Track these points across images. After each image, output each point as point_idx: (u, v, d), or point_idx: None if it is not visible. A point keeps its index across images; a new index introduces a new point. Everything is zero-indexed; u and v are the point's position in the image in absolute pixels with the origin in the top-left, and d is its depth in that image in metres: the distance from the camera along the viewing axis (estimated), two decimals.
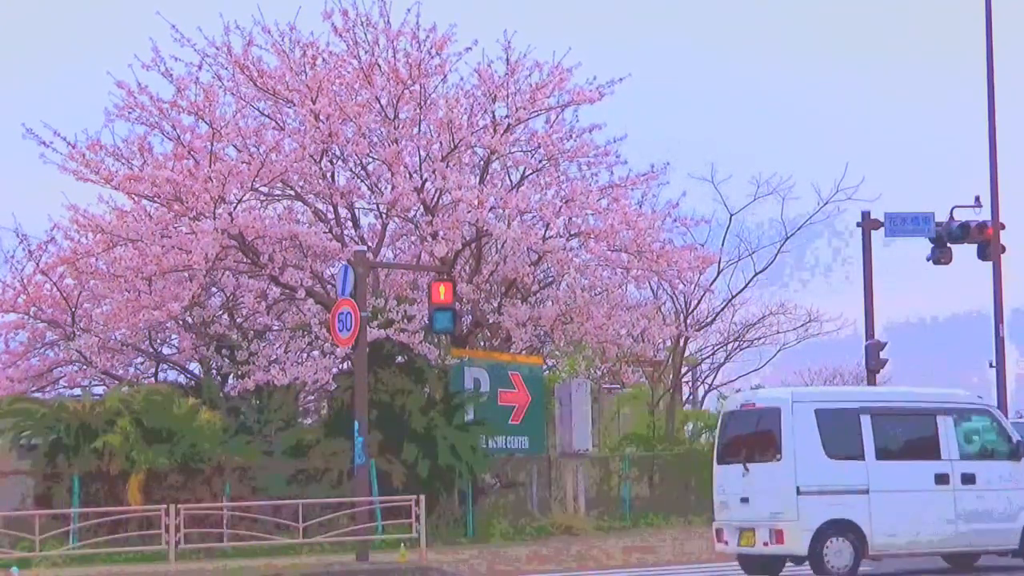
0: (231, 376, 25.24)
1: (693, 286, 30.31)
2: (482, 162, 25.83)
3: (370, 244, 24.90)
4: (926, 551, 17.01)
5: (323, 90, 24.07)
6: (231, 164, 23.83)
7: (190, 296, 24.31)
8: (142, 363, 27.12)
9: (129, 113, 24.16)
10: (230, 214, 23.25)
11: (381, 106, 24.75)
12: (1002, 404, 28.26)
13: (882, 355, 33.38)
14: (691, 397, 40.78)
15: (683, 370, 35.47)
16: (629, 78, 24.83)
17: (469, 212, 23.77)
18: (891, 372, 42.98)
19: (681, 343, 33.08)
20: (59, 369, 26.44)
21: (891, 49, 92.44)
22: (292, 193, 25.33)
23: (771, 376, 48.93)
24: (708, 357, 39.90)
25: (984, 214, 29.67)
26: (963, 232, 31.03)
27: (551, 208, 24.68)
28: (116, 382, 25.67)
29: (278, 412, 24.35)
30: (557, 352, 31.23)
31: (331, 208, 25.55)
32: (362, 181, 25.76)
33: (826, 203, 33.45)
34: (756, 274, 34.54)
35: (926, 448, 16.74)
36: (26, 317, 26.09)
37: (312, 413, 27.59)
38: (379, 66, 24.80)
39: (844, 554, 15.94)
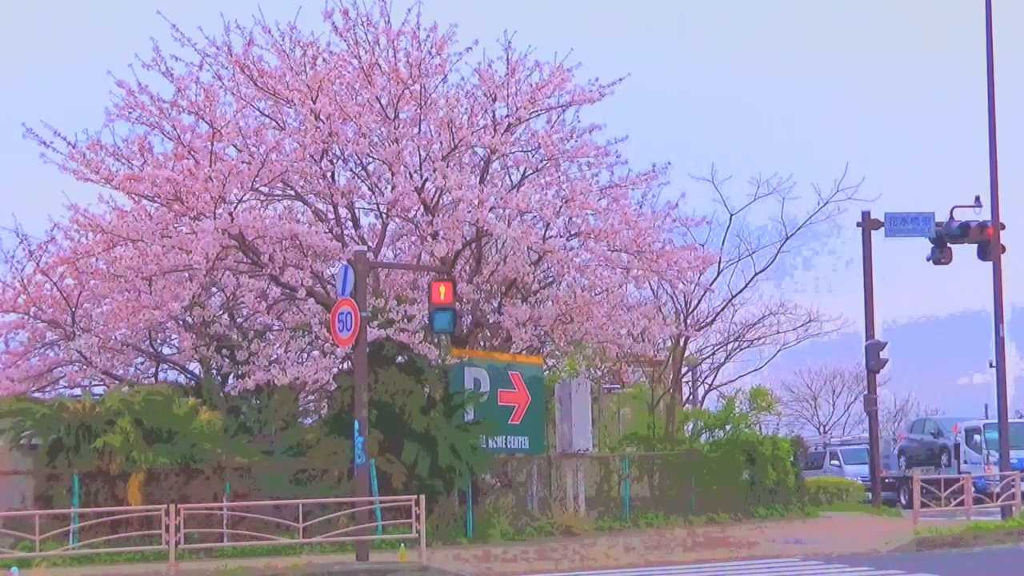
0: (231, 376, 25.23)
1: (693, 286, 30.30)
2: (482, 162, 25.80)
3: (370, 244, 24.89)
4: None
5: (323, 90, 24.05)
6: (231, 164, 23.81)
7: (190, 296, 24.32)
8: (142, 363, 27.12)
9: (129, 113, 24.08)
10: (230, 214, 23.23)
11: (381, 106, 24.73)
12: (1002, 404, 28.28)
13: (882, 355, 33.49)
14: (691, 397, 40.75)
15: (683, 370, 35.44)
16: (629, 78, 24.86)
17: (469, 212, 23.75)
18: (891, 372, 43.06)
19: (681, 343, 33.09)
20: (59, 369, 26.40)
21: (891, 50, 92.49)
22: (292, 193, 25.31)
23: (771, 376, 48.92)
24: (708, 357, 39.93)
25: (984, 214, 29.74)
26: (963, 232, 31.09)
27: (551, 208, 24.67)
28: (116, 382, 25.67)
29: (278, 412, 24.40)
30: (557, 352, 31.20)
31: (331, 208, 25.54)
32: (362, 181, 25.75)
33: (826, 203, 33.52)
34: (756, 274, 34.60)
35: None
36: (26, 317, 26.08)
37: (312, 413, 27.58)
38: (379, 66, 24.79)
39: None
